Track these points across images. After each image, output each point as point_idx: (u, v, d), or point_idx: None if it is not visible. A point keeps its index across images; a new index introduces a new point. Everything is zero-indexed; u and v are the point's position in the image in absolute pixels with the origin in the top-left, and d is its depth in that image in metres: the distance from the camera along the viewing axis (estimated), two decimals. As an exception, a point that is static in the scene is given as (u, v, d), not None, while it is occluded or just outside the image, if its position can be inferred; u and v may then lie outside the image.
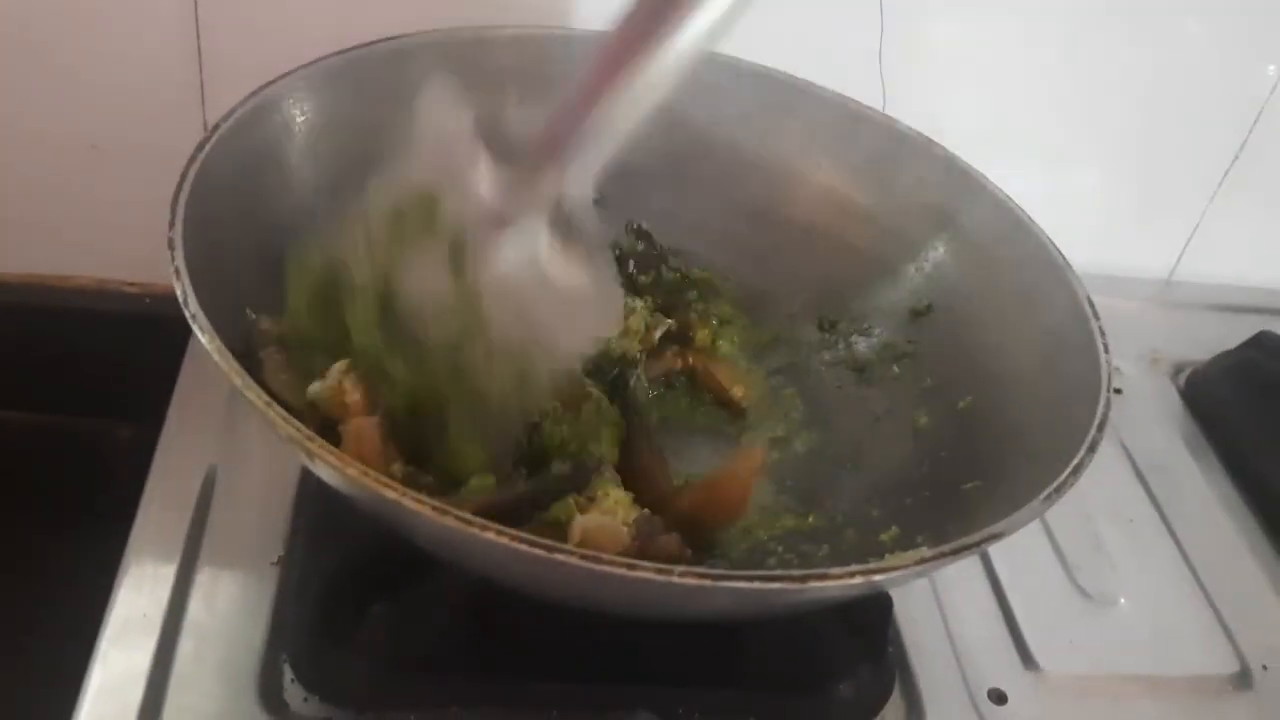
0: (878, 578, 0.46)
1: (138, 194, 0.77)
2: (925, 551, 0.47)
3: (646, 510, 0.57)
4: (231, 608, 0.63)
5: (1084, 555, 0.76)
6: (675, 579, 0.44)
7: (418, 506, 0.44)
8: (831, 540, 0.63)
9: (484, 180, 0.54)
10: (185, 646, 0.60)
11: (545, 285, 0.54)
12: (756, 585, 0.44)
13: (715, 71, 0.78)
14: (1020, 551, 0.75)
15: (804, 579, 0.45)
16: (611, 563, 0.44)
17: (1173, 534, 0.79)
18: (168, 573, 0.64)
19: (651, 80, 0.50)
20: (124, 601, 0.62)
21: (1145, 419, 0.89)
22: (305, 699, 0.59)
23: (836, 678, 0.64)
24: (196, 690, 0.59)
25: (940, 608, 0.71)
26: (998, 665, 0.69)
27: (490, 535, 0.43)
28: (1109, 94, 0.92)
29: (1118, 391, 0.90)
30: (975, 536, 0.48)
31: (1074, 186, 0.97)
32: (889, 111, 0.80)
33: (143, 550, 0.65)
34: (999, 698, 0.67)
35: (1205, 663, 0.72)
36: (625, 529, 0.54)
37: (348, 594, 0.62)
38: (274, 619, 0.62)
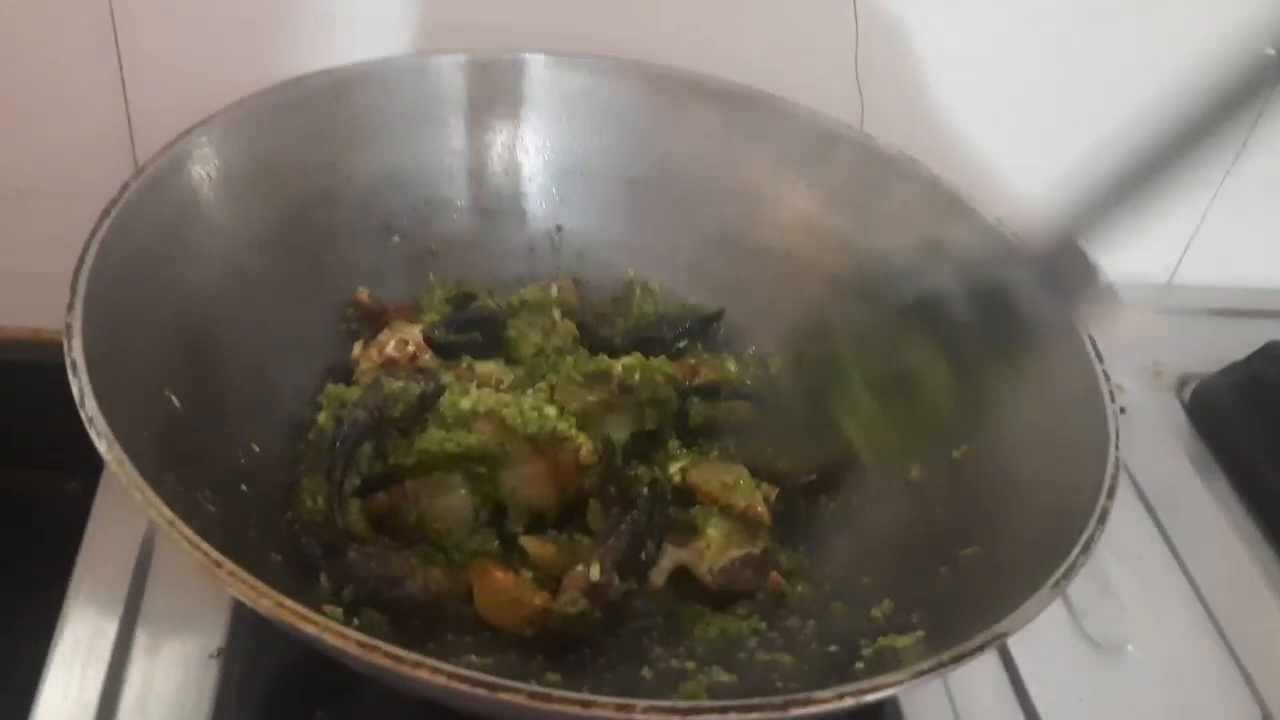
0: (869, 697, 0.41)
1: (68, 239, 0.72)
2: (921, 664, 0.42)
3: None
4: (167, 712, 0.57)
5: (1091, 599, 0.71)
6: (639, 716, 0.39)
7: (341, 643, 0.39)
8: (818, 614, 0.58)
9: None
10: (116, 760, 0.55)
11: None
12: (732, 718, 0.39)
13: (679, 92, 0.73)
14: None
15: (785, 706, 0.40)
16: (563, 700, 0.38)
17: (1184, 570, 0.74)
18: (96, 673, 0.58)
19: None
20: (46, 711, 0.56)
21: (1150, 439, 0.84)
22: (250, 815, 0.54)
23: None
24: (129, 810, 0.54)
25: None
26: (1003, 732, 0.64)
27: (424, 674, 0.38)
28: (1098, 90, 0.86)
29: (1120, 410, 0.86)
30: (978, 640, 0.44)
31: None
32: (868, 125, 0.74)
33: (70, 644, 0.60)
34: (1006, 769, 0.62)
35: (1223, 713, 0.67)
36: None
37: (295, 694, 0.57)
38: (214, 724, 0.57)
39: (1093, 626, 0.70)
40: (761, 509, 0.59)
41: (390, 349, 0.61)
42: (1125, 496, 0.79)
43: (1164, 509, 0.78)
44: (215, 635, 0.61)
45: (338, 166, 0.67)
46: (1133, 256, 0.94)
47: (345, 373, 0.64)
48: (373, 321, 0.68)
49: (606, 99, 0.73)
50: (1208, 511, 0.79)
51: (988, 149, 0.83)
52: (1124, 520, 0.77)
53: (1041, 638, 0.68)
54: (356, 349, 0.64)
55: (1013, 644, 0.67)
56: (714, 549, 0.57)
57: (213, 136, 0.61)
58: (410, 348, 0.62)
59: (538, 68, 0.71)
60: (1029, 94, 0.85)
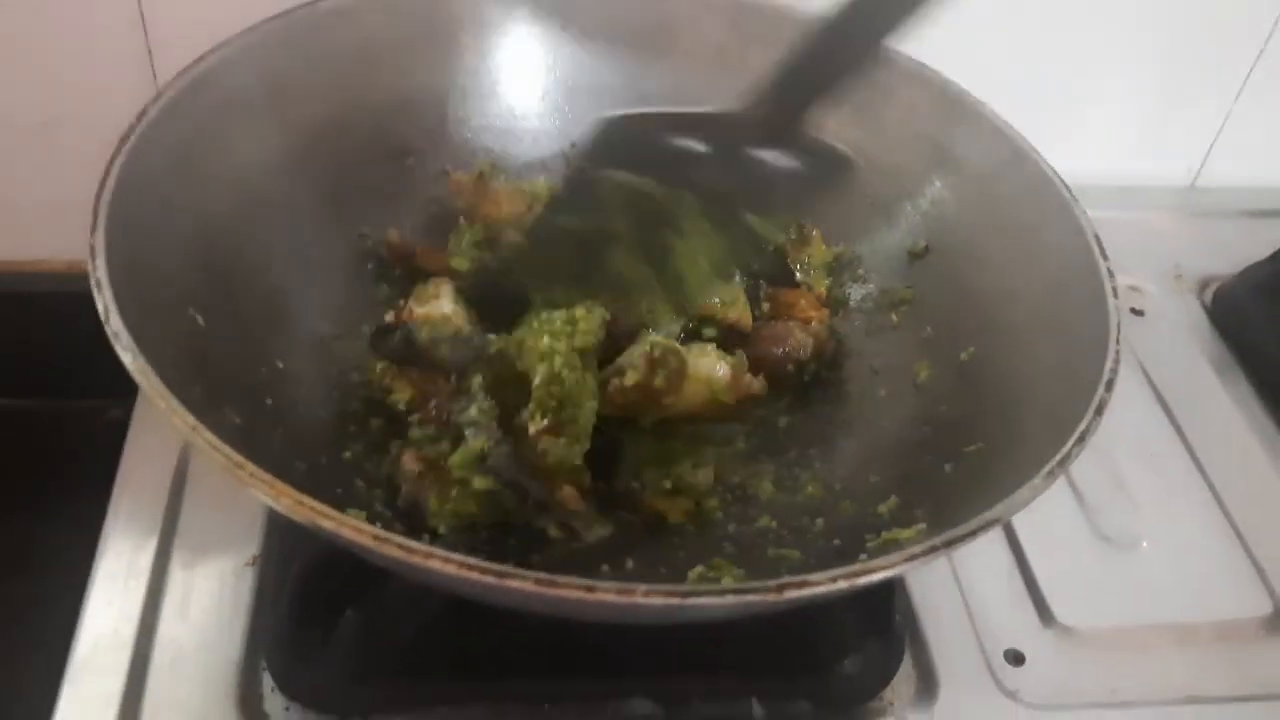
0: (862, 580, 0.43)
1: (95, 169, 0.74)
2: (914, 547, 0.44)
3: None
4: (206, 616, 0.60)
5: (1104, 496, 0.72)
6: (640, 599, 0.40)
7: (357, 536, 0.41)
8: (827, 513, 0.60)
9: None
10: (160, 660, 0.58)
11: None
12: (729, 600, 0.41)
13: (687, 2, 0.73)
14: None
15: (780, 589, 0.41)
16: (568, 585, 0.40)
17: (1200, 468, 0.75)
18: (138, 584, 0.61)
19: None
20: (93, 620, 0.60)
21: (1169, 341, 0.84)
22: (286, 708, 0.57)
23: (841, 653, 0.61)
24: (173, 707, 0.57)
25: (951, 563, 0.67)
26: (1014, 623, 0.65)
27: (435, 564, 0.40)
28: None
29: (1139, 313, 0.86)
30: (970, 525, 0.45)
31: (1086, 89, 0.90)
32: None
33: (112, 559, 0.63)
34: (1016, 659, 0.64)
35: (1236, 606, 0.68)
36: None
37: (326, 595, 0.60)
38: (251, 625, 0.60)
39: (1106, 524, 0.71)
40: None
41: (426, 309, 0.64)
42: (1143, 397, 0.80)
43: (1182, 410, 0.79)
44: (248, 550, 0.64)
45: (352, 90, 0.68)
46: (1155, 158, 0.95)
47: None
48: (403, 263, 0.69)
49: (617, 13, 0.73)
50: (1226, 412, 0.79)
51: (1005, 45, 0.83)
52: (1141, 421, 0.78)
53: (1055, 535, 0.70)
54: (390, 316, 0.65)
55: (1025, 541, 0.69)
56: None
57: (226, 63, 0.61)
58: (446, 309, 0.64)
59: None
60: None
